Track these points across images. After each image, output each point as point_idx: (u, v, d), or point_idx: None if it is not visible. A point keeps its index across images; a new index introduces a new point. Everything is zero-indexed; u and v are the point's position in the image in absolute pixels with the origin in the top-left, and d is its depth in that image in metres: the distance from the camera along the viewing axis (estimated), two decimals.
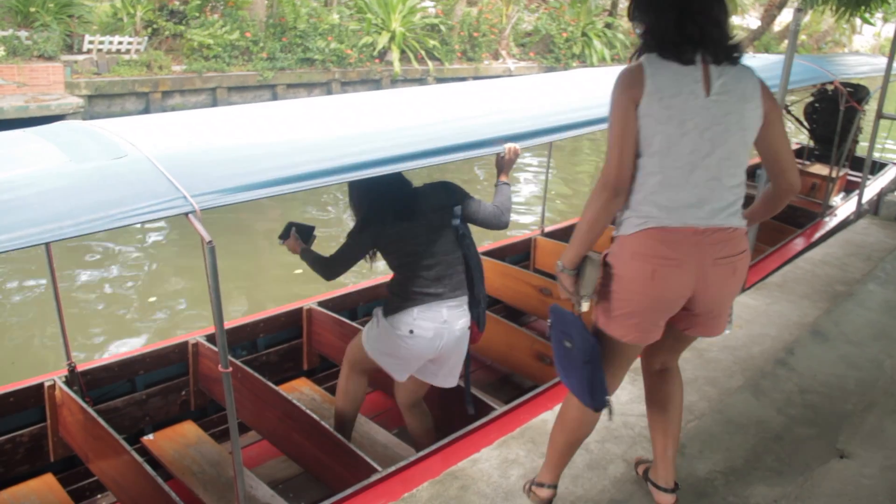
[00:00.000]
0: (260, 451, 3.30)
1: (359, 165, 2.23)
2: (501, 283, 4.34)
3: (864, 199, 5.71)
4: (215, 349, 3.26)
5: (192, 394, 3.46)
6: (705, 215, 1.76)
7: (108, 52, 11.55)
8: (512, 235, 5.34)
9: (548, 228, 5.02)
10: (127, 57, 11.63)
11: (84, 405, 2.87)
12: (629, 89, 1.75)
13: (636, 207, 1.79)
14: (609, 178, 1.77)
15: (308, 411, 2.82)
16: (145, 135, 2.21)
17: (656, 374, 2.12)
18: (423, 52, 14.66)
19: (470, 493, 2.29)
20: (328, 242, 6.12)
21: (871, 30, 25.63)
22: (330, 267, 2.74)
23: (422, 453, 2.65)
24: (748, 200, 1.91)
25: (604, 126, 1.95)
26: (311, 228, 2.82)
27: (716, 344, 3.34)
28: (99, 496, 3.11)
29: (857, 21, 20.43)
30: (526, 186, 10.20)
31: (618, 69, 1.90)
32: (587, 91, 3.50)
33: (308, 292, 4.20)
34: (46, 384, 3.00)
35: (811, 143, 7.14)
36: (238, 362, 3.24)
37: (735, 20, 22.82)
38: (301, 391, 3.63)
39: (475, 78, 14.37)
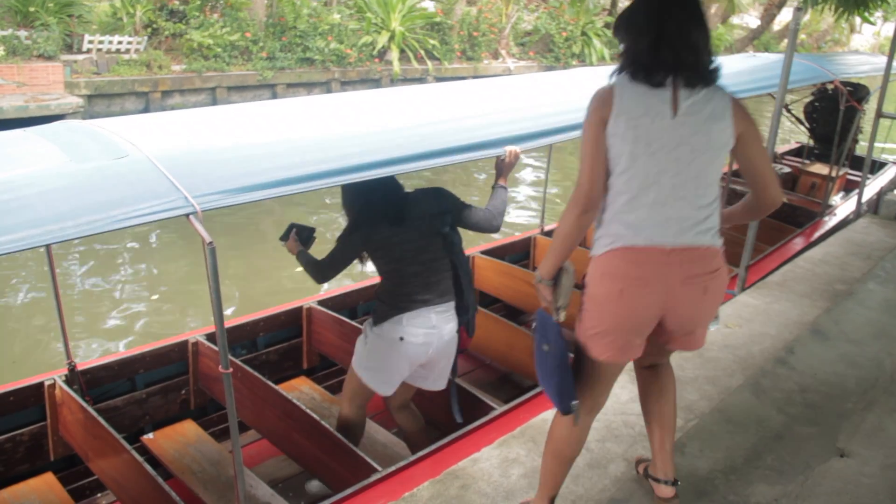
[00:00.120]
0: (260, 451, 3.30)
1: (361, 167, 2.23)
2: (501, 282, 4.34)
3: (864, 199, 5.71)
4: (215, 348, 3.26)
5: (191, 393, 3.46)
6: (672, 234, 1.78)
7: (108, 51, 11.54)
8: (512, 234, 5.34)
9: (547, 227, 5.02)
10: (127, 56, 11.62)
11: (84, 404, 2.87)
12: (599, 110, 1.79)
13: (606, 227, 1.83)
14: (580, 195, 1.80)
15: (308, 410, 2.82)
16: (146, 134, 2.20)
17: (647, 369, 2.14)
18: (422, 52, 14.65)
19: (471, 493, 2.29)
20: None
21: (871, 28, 25.63)
22: (321, 270, 2.73)
23: (422, 453, 2.65)
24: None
25: None
26: (312, 230, 2.82)
27: (716, 343, 3.34)
28: (99, 495, 3.11)
29: (857, 20, 20.43)
30: (526, 185, 10.20)
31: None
32: (588, 91, 3.49)
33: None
34: (46, 383, 3.00)
35: (811, 143, 7.15)
36: (238, 361, 3.24)
37: (734, 20, 22.82)
38: (301, 390, 3.63)
39: (475, 77, 14.36)
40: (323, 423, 2.77)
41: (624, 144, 1.75)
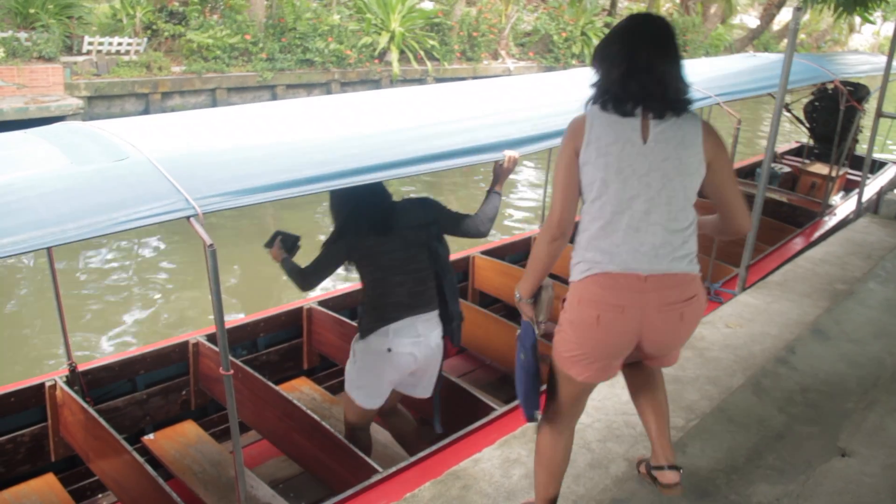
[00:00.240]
0: (260, 451, 3.30)
1: (362, 170, 2.22)
2: (501, 282, 4.34)
3: (864, 198, 5.71)
4: (216, 349, 3.26)
5: (192, 393, 3.45)
6: (648, 261, 1.81)
7: (108, 53, 11.55)
8: (512, 234, 5.34)
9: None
10: (126, 58, 11.63)
11: (85, 405, 2.87)
12: (572, 140, 1.84)
13: (582, 254, 1.86)
14: (552, 223, 1.86)
15: (308, 411, 2.82)
16: (146, 136, 2.20)
17: (631, 365, 2.14)
18: (422, 53, 14.65)
19: (472, 493, 2.29)
20: None
21: (871, 28, 25.63)
22: (305, 277, 2.70)
23: (423, 453, 2.65)
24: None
25: None
26: (297, 238, 2.79)
27: (717, 343, 3.34)
28: (100, 496, 3.11)
29: (857, 20, 20.44)
30: (525, 186, 10.20)
31: None
32: (588, 92, 3.49)
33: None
34: (47, 384, 3.00)
35: (811, 142, 7.15)
36: (238, 362, 3.24)
37: (734, 19, 22.83)
38: (301, 390, 3.63)
39: (474, 78, 14.37)
40: (323, 423, 2.77)
41: (596, 171, 1.80)
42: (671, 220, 1.82)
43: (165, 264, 6.99)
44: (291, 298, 4.25)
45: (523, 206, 9.26)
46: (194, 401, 3.47)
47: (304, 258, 2.76)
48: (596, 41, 17.70)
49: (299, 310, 3.74)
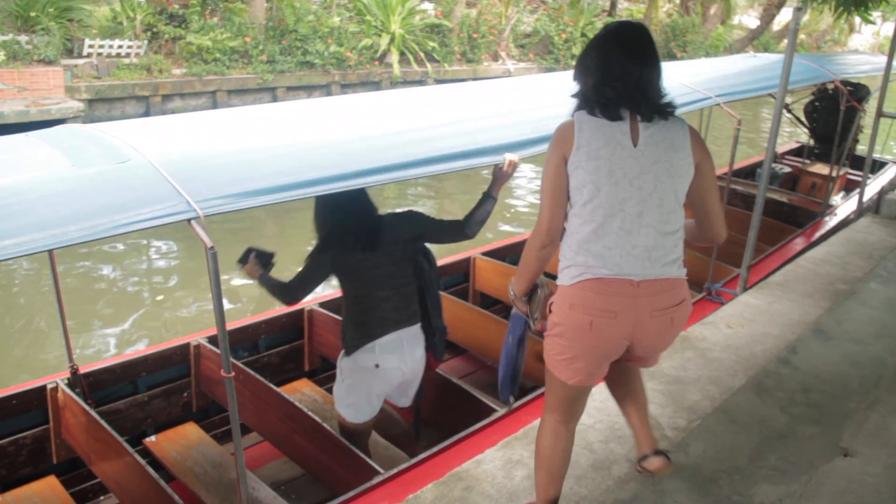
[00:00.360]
0: (262, 453, 3.30)
1: (363, 172, 2.22)
2: (502, 283, 4.34)
3: (865, 198, 5.71)
4: (217, 351, 3.26)
5: (193, 395, 3.45)
6: (641, 265, 1.81)
7: (109, 55, 11.55)
8: (513, 235, 5.34)
9: None
10: (127, 61, 11.63)
11: (86, 407, 2.87)
12: (560, 146, 1.84)
13: (573, 258, 1.85)
14: (541, 230, 1.88)
15: (309, 413, 2.82)
16: (147, 139, 2.20)
17: (618, 379, 2.15)
18: (422, 54, 14.66)
19: (474, 494, 2.29)
20: None
21: (871, 28, 25.63)
22: (291, 290, 2.65)
23: (424, 455, 2.64)
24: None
25: None
26: (271, 255, 2.73)
27: (718, 343, 3.34)
28: (101, 498, 3.11)
29: (857, 20, 20.43)
30: (525, 187, 10.20)
31: None
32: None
33: None
34: (49, 386, 3.00)
35: (811, 143, 7.15)
36: (239, 364, 3.24)
37: (733, 20, 22.84)
38: (302, 392, 3.63)
39: (474, 79, 14.37)
40: (325, 425, 2.77)
41: (587, 175, 1.80)
42: (663, 223, 1.83)
43: (168, 265, 6.99)
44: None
45: (524, 207, 9.26)
46: (196, 403, 3.47)
47: (285, 270, 2.74)
48: None
49: (300, 311, 3.74)
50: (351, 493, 2.42)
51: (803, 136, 7.65)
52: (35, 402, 3.02)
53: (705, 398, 2.88)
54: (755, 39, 21.56)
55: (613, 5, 19.20)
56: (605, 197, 1.79)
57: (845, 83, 5.75)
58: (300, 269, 2.67)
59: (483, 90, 3.52)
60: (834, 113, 6.06)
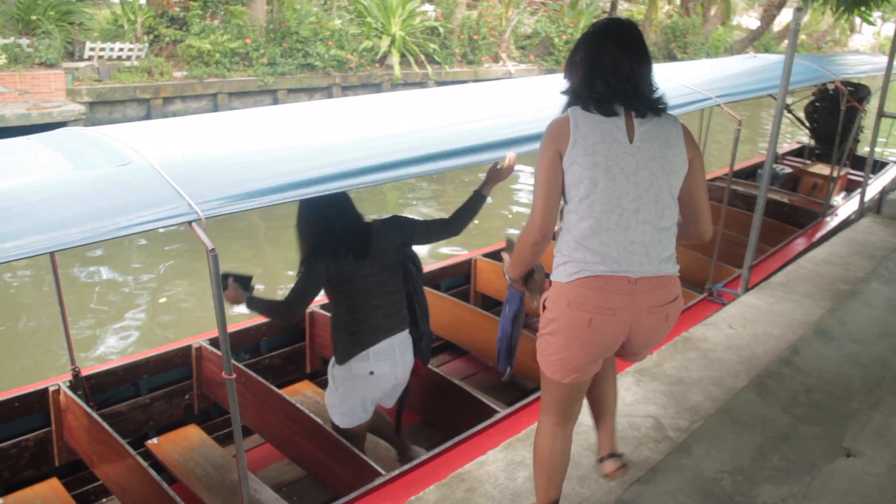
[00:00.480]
0: (263, 455, 3.30)
1: (363, 171, 2.23)
2: (503, 284, 4.32)
3: (867, 198, 5.70)
4: (219, 353, 3.26)
5: (195, 397, 3.46)
6: (638, 262, 1.82)
7: (110, 58, 11.57)
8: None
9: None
10: (128, 63, 11.65)
11: (88, 410, 2.87)
12: (554, 141, 1.83)
13: (569, 254, 1.84)
14: (534, 227, 1.87)
15: (311, 414, 2.82)
16: (148, 141, 2.21)
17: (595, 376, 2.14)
18: (422, 56, 14.68)
19: (477, 496, 2.29)
20: None
21: (871, 28, 25.62)
22: (288, 307, 2.63)
23: (425, 456, 2.64)
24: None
25: None
26: (249, 278, 2.67)
27: (720, 344, 3.34)
28: (104, 500, 3.11)
29: (857, 20, 20.42)
30: (529, 187, 10.20)
31: None
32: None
33: None
34: (51, 389, 3.01)
35: (812, 143, 7.15)
36: (241, 366, 3.24)
37: (734, 20, 22.84)
38: (304, 394, 3.63)
39: (475, 81, 14.38)
40: (326, 426, 2.77)
41: (583, 171, 1.79)
42: (659, 219, 1.83)
43: (172, 265, 6.99)
44: None
45: (526, 209, 9.26)
46: (197, 405, 3.47)
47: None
48: None
49: (301, 313, 3.74)
50: (353, 495, 2.41)
51: (804, 137, 7.65)
52: (37, 405, 3.02)
53: (707, 399, 2.88)
54: (756, 40, 21.57)
55: (614, 6, 19.21)
56: (601, 193, 1.79)
57: (846, 83, 5.75)
58: (293, 284, 2.63)
59: (484, 92, 3.52)
60: (834, 113, 6.06)
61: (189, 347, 3.40)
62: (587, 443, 2.53)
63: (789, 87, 3.89)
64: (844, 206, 5.86)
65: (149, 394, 3.33)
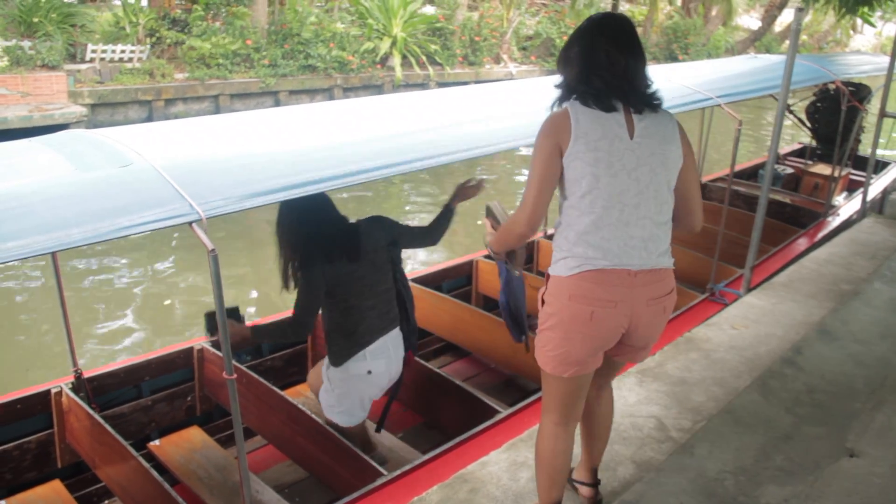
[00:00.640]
0: (266, 456, 3.30)
1: (364, 170, 2.23)
2: None
3: (868, 198, 5.70)
4: (220, 354, 3.26)
5: (197, 399, 3.46)
6: (638, 256, 1.83)
7: (111, 60, 11.60)
8: None
9: (550, 231, 5.02)
10: (129, 65, 11.68)
11: (90, 411, 2.87)
12: (554, 135, 1.82)
13: (570, 249, 1.85)
14: (522, 220, 1.87)
15: (313, 416, 2.82)
16: (150, 143, 2.22)
17: (593, 396, 2.15)
18: (424, 57, 14.69)
19: (479, 497, 2.28)
20: None
21: (873, 29, 25.62)
22: (298, 323, 2.60)
23: (427, 456, 2.64)
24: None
25: None
26: (236, 309, 2.61)
27: (723, 344, 3.33)
28: (106, 502, 3.11)
29: (858, 20, 20.41)
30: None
31: None
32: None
33: None
34: (53, 391, 3.01)
35: (813, 143, 7.14)
36: (243, 367, 3.24)
37: (735, 21, 22.84)
38: (306, 395, 3.63)
39: (476, 82, 14.39)
40: (328, 428, 2.77)
41: (586, 167, 1.80)
42: (658, 214, 1.86)
43: (176, 266, 7.00)
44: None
45: None
46: (199, 406, 3.47)
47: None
48: None
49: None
50: (355, 495, 2.41)
51: (805, 138, 7.65)
52: (39, 407, 3.02)
53: (710, 399, 2.87)
54: (757, 41, 21.58)
55: (615, 7, 19.22)
56: (603, 188, 1.80)
57: (847, 83, 5.74)
58: (296, 298, 2.62)
59: (485, 93, 3.52)
60: (835, 113, 6.06)
61: (191, 349, 3.40)
62: None
63: (790, 87, 3.88)
64: (846, 207, 5.85)
65: (151, 395, 3.33)
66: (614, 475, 2.39)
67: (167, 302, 6.34)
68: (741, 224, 4.93)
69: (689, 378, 3.03)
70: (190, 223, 1.84)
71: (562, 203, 1.89)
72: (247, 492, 2.11)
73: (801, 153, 7.56)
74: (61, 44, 11.05)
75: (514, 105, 3.17)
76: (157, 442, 3.22)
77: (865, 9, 7.87)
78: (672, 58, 18.51)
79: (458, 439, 2.71)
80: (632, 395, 2.86)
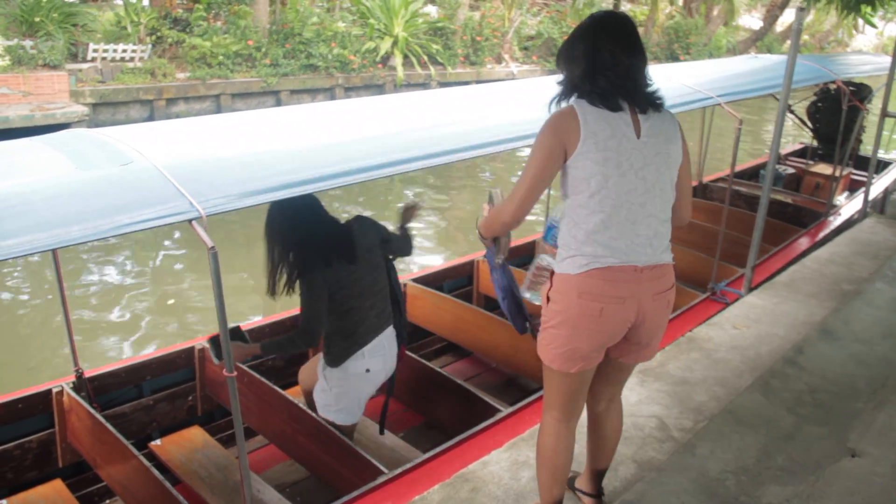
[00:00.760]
0: (267, 456, 3.30)
1: (364, 169, 2.23)
2: None
3: (870, 198, 5.69)
4: None
5: (198, 399, 3.46)
6: (644, 252, 1.86)
7: (113, 60, 11.61)
8: (515, 238, 5.32)
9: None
10: (131, 65, 11.69)
11: (92, 411, 2.87)
12: (560, 134, 1.82)
13: (579, 248, 1.86)
14: (510, 210, 1.89)
15: (314, 415, 2.82)
16: (151, 142, 2.22)
17: (602, 411, 2.15)
18: (425, 57, 14.69)
19: (481, 496, 2.28)
20: None
21: (874, 29, 25.59)
22: (307, 330, 2.59)
23: (428, 455, 2.64)
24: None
25: None
26: (237, 328, 2.61)
27: (724, 344, 3.33)
28: (108, 501, 3.11)
29: (860, 20, 20.38)
30: None
31: None
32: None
33: None
34: (54, 390, 3.01)
35: (814, 143, 7.13)
36: (244, 367, 3.24)
37: (736, 21, 22.83)
38: None
39: (478, 82, 14.39)
40: (329, 427, 2.77)
41: (595, 166, 1.80)
42: (662, 212, 1.89)
43: (177, 266, 7.01)
44: (297, 302, 4.25)
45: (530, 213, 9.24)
46: (201, 406, 3.47)
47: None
48: None
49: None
50: (355, 493, 2.41)
51: (806, 138, 7.64)
52: (40, 406, 3.02)
53: (712, 399, 2.87)
54: (758, 41, 21.56)
55: (616, 6, 19.21)
56: (612, 188, 1.81)
57: (847, 83, 5.74)
58: (300, 307, 2.61)
59: (487, 93, 3.52)
60: (836, 113, 6.05)
61: (192, 349, 3.40)
62: None
63: (791, 86, 3.88)
64: (847, 206, 5.85)
65: (152, 395, 3.33)
66: (616, 474, 2.39)
67: (171, 302, 6.35)
68: (742, 224, 4.93)
69: (690, 378, 3.03)
70: (190, 221, 1.84)
71: (565, 201, 1.89)
72: (248, 491, 2.10)
73: (802, 153, 7.56)
74: (63, 43, 11.06)
75: (516, 105, 3.17)
76: (158, 441, 3.22)
77: (867, 8, 7.85)
78: (673, 57, 18.51)
79: (459, 438, 2.71)
80: (633, 395, 2.86)
